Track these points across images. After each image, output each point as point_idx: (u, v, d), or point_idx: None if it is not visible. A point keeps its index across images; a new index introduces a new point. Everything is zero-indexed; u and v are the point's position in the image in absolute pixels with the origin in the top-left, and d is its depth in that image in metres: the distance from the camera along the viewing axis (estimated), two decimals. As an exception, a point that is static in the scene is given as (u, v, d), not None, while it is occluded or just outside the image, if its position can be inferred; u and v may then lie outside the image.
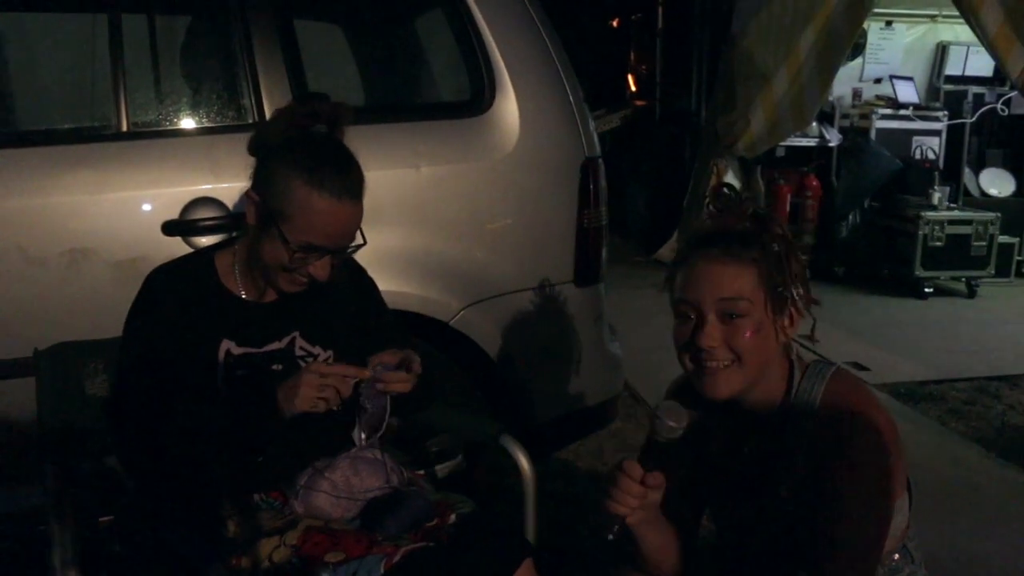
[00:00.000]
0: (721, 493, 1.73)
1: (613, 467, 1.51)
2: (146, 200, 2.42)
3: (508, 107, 2.70)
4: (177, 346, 1.73)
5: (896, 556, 1.64)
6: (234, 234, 1.97)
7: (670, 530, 1.64)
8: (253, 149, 1.75)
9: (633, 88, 9.62)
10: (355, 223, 1.72)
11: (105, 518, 1.95)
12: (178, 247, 2.34)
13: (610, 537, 1.50)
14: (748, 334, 1.51)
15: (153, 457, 1.69)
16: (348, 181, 1.68)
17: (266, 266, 1.73)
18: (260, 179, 1.70)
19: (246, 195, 1.72)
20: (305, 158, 1.66)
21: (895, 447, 1.54)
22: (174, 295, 1.76)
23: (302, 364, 1.81)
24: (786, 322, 1.55)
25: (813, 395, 1.56)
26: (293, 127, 1.70)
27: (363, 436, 1.76)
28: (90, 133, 2.57)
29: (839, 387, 1.56)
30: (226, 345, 1.77)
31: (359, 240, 1.75)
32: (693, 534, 1.75)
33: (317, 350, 1.84)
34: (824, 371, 1.59)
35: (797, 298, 1.54)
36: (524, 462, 1.89)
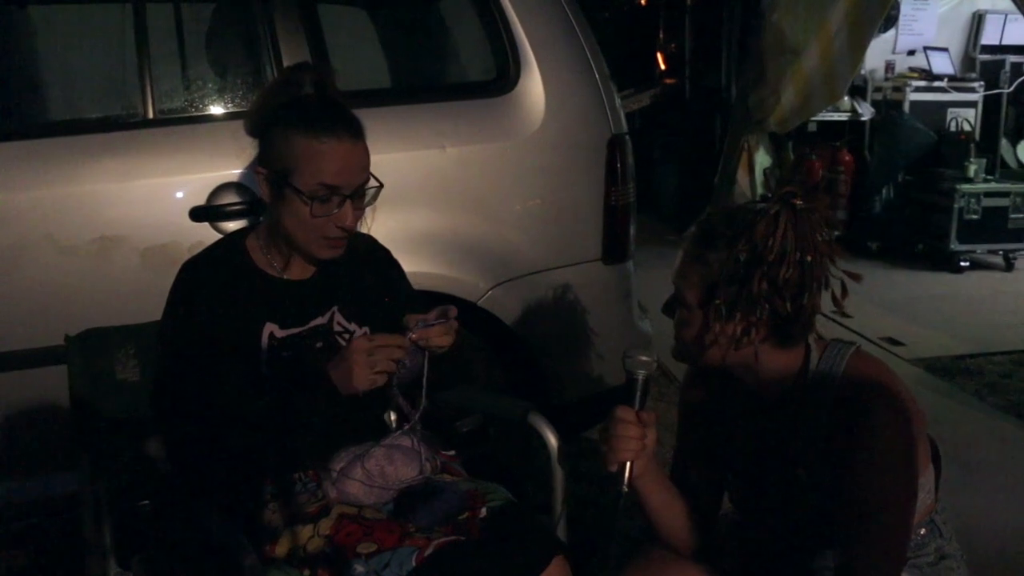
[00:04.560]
0: (739, 474, 1.72)
1: (606, 421, 1.54)
2: (173, 187, 2.43)
3: (533, 86, 2.69)
4: (219, 334, 1.72)
5: (923, 531, 1.63)
6: (260, 218, 1.98)
7: (673, 490, 1.67)
8: (251, 130, 1.77)
9: (662, 66, 9.53)
10: (361, 160, 1.73)
11: (142, 503, 1.97)
12: (206, 233, 2.36)
13: (624, 488, 1.52)
14: (678, 323, 1.59)
15: (203, 448, 1.69)
16: (341, 120, 1.71)
17: (293, 237, 1.73)
18: (263, 153, 1.74)
19: (255, 174, 1.74)
20: (296, 113, 1.70)
21: (916, 423, 1.52)
22: (210, 284, 1.75)
23: (340, 341, 1.82)
24: (732, 330, 1.50)
25: (832, 374, 1.54)
26: (281, 97, 1.74)
27: (396, 394, 1.74)
28: (117, 121, 2.58)
29: (858, 366, 1.54)
30: (269, 328, 1.77)
31: (374, 183, 1.75)
32: (710, 511, 1.75)
33: (353, 327, 1.85)
34: (844, 350, 1.56)
35: (757, 317, 1.48)
36: (552, 440, 1.88)
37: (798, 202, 1.45)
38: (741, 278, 1.46)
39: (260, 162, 1.73)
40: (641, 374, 1.54)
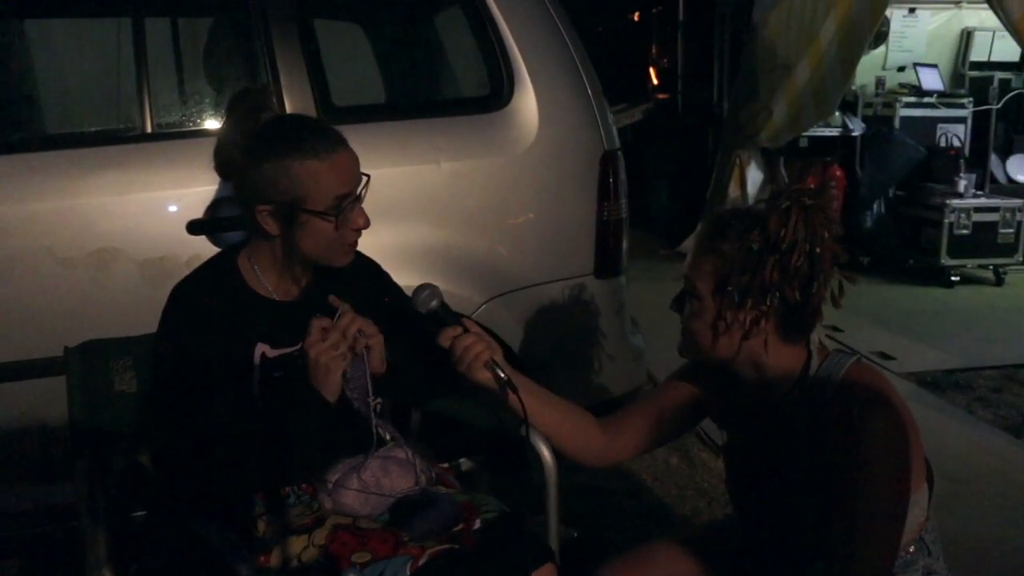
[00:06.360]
0: (736, 475, 1.75)
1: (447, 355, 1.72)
2: (171, 200, 2.46)
3: (527, 102, 2.72)
4: (211, 355, 1.72)
5: (911, 549, 1.64)
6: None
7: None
8: (225, 172, 1.74)
9: (655, 81, 9.58)
10: (355, 161, 1.74)
11: (137, 513, 1.98)
12: (202, 245, 2.38)
13: (504, 376, 1.71)
14: (687, 314, 1.64)
15: (195, 467, 1.69)
16: (325, 133, 1.72)
17: (314, 256, 1.75)
18: (259, 191, 1.69)
19: (253, 214, 1.70)
20: (283, 143, 1.68)
21: (912, 439, 1.54)
22: (203, 305, 1.75)
23: None
24: (743, 318, 1.55)
25: (831, 381, 1.56)
26: (247, 126, 1.71)
27: (373, 412, 1.75)
28: (115, 135, 2.60)
29: (858, 376, 1.56)
30: (261, 348, 1.78)
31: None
32: (623, 444, 1.89)
33: None
34: (844, 360, 1.59)
35: (767, 305, 1.53)
36: (546, 453, 1.90)
37: (807, 200, 1.51)
38: (754, 266, 1.51)
39: (258, 200, 1.70)
40: (436, 304, 1.72)
